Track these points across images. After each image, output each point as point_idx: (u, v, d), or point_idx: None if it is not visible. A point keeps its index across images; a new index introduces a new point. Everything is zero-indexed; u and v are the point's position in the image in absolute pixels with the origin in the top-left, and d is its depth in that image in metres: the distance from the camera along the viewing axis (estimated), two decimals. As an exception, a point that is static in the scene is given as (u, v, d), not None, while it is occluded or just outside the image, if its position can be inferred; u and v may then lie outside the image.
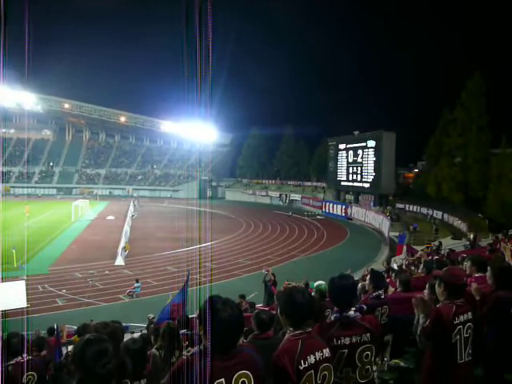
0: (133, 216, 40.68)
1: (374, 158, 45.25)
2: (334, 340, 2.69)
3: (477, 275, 4.67)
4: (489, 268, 3.83)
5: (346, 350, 2.72)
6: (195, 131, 74.98)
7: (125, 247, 25.04)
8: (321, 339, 2.50)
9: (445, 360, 3.03)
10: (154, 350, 4.45)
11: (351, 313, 2.80)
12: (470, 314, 3.14)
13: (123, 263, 23.12)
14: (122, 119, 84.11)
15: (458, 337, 3.02)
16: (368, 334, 2.80)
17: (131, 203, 49.48)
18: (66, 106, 79.46)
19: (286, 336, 2.48)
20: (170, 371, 2.12)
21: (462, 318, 3.05)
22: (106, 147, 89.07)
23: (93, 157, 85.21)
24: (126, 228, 31.47)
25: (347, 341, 2.72)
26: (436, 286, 3.29)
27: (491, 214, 37.63)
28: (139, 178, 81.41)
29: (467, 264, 5.02)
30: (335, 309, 2.87)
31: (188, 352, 2.20)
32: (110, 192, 75.04)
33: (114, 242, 27.45)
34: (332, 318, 2.82)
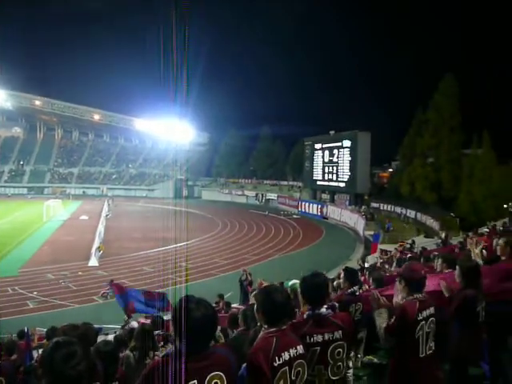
0: (107, 216, 40.11)
1: (350, 158, 45.77)
2: (307, 337, 2.70)
3: (447, 271, 4.79)
4: (457, 267, 3.91)
5: (319, 348, 2.72)
6: (171, 130, 74.38)
7: (99, 247, 24.67)
8: (295, 336, 2.51)
9: (408, 355, 3.08)
10: (127, 351, 4.39)
11: (323, 310, 2.80)
12: (432, 309, 3.19)
13: (97, 264, 22.77)
14: (96, 117, 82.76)
15: (421, 332, 3.08)
16: (340, 332, 2.80)
17: (105, 203, 48.76)
18: (37, 103, 77.68)
19: (261, 334, 2.48)
20: (142, 374, 2.08)
21: (424, 314, 3.10)
22: (79, 146, 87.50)
23: (65, 155, 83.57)
24: (100, 228, 31.01)
25: (319, 338, 2.73)
26: (397, 283, 3.34)
27: (462, 213, 38.52)
28: (114, 177, 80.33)
29: (438, 261, 5.13)
30: (308, 307, 2.87)
31: (161, 353, 2.17)
32: (83, 191, 73.74)
33: (87, 243, 27.00)
34: (304, 316, 2.83)
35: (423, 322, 3.08)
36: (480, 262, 5.58)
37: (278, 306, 2.45)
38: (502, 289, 4.02)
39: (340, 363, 2.81)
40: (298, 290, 5.19)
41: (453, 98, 44.16)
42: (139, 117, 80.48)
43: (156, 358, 2.12)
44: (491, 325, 4.02)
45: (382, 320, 3.24)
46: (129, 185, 78.64)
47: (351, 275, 4.68)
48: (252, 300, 4.15)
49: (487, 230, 19.45)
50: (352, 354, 4.73)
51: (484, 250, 7.23)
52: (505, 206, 33.07)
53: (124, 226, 36.86)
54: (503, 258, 4.84)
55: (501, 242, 4.94)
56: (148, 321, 6.99)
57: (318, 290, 2.89)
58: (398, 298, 3.33)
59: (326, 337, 2.75)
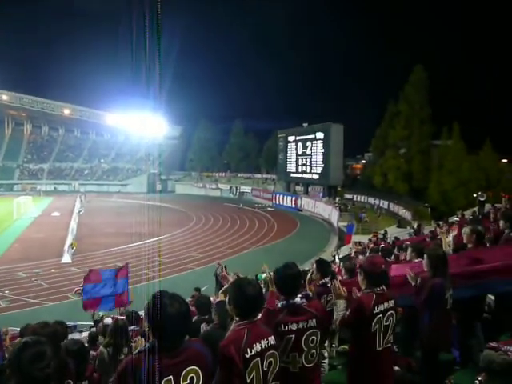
0: (80, 212, 39.42)
1: (323, 150, 46.10)
2: (282, 326, 2.75)
3: (416, 260, 4.90)
4: (425, 256, 3.99)
5: (293, 335, 2.78)
6: (144, 124, 73.36)
7: (72, 244, 24.24)
8: (266, 327, 2.54)
9: (364, 348, 3.11)
10: (101, 347, 4.35)
11: (297, 299, 2.86)
12: (391, 302, 3.20)
13: (70, 261, 22.40)
14: (66, 112, 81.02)
15: (378, 326, 3.09)
16: (314, 320, 2.87)
17: (78, 199, 47.85)
18: (4, 97, 75.44)
19: (232, 326, 2.51)
20: (117, 371, 2.07)
21: (381, 307, 3.11)
22: (49, 141, 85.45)
23: (35, 151, 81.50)
24: (73, 224, 30.47)
25: (294, 326, 2.79)
26: (358, 275, 3.37)
27: (433, 203, 39.39)
28: (86, 172, 78.95)
29: (408, 251, 5.24)
30: (281, 297, 2.92)
31: (135, 350, 2.16)
32: (54, 188, 72.17)
33: (60, 240, 26.51)
34: (279, 305, 2.87)
35: (380, 316, 3.09)
36: (449, 251, 5.74)
37: (250, 300, 2.47)
38: (466, 272, 4.14)
39: (314, 351, 2.87)
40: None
41: (423, 90, 44.98)
42: (111, 111, 79.00)
43: (130, 354, 2.10)
44: (460, 312, 4.14)
45: (338, 311, 3.28)
46: (101, 180, 77.41)
47: (323, 266, 4.73)
48: (221, 297, 4.16)
49: (457, 219, 19.91)
50: (327, 343, 4.81)
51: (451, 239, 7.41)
52: (474, 195, 33.90)
53: (97, 222, 36.28)
54: (469, 245, 4.95)
55: (467, 230, 5.02)
56: (123, 316, 6.93)
57: (292, 280, 2.94)
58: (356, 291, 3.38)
59: (301, 325, 2.81)
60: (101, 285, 9.85)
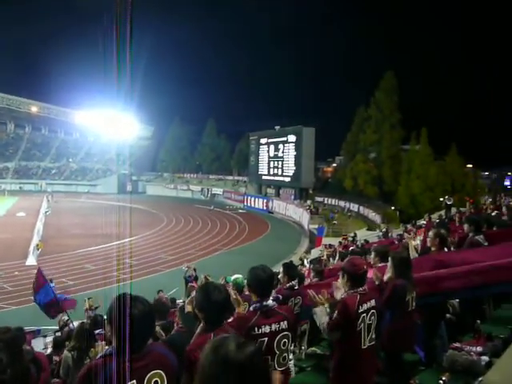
0: (46, 212, 38.50)
1: (295, 153, 46.42)
2: (256, 329, 2.74)
3: (380, 265, 4.96)
4: (389, 258, 4.06)
5: (266, 338, 2.77)
6: (114, 123, 72.32)
7: (37, 245, 23.65)
8: (233, 331, 2.52)
9: (350, 348, 3.15)
10: (66, 351, 4.24)
11: (270, 302, 2.86)
12: (373, 301, 3.28)
13: (35, 263, 21.78)
14: (34, 109, 78.96)
15: (363, 324, 3.15)
16: (286, 322, 2.88)
17: (44, 199, 46.72)
18: (-33, 93, 73.17)
19: (199, 330, 2.49)
20: (78, 376, 2.03)
21: (365, 306, 3.18)
22: (14, 139, 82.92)
23: (0, 149, 79.14)
24: (39, 225, 29.75)
25: (267, 329, 2.78)
26: (340, 278, 3.42)
27: (402, 206, 40.23)
28: (53, 172, 77.11)
29: (372, 255, 5.31)
30: (252, 299, 2.91)
31: (93, 354, 2.12)
32: (20, 187, 70.09)
33: (25, 241, 25.79)
34: (251, 308, 2.86)
35: (364, 315, 3.16)
36: (415, 254, 5.85)
37: (216, 305, 2.46)
38: (428, 277, 4.22)
39: (285, 354, 2.88)
40: (244, 282, 5.26)
41: (393, 96, 45.86)
42: (81, 109, 77.42)
43: (92, 359, 2.05)
44: (424, 312, 4.23)
45: (322, 317, 3.30)
46: (70, 180, 75.74)
47: (290, 269, 4.75)
48: (188, 308, 4.13)
49: (424, 222, 20.36)
50: (293, 346, 4.83)
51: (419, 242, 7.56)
52: (440, 199, 34.74)
53: (64, 223, 35.50)
54: (433, 249, 5.06)
55: (430, 233, 5.13)
56: (88, 320, 6.80)
57: (266, 282, 2.94)
58: (339, 293, 3.41)
59: (273, 327, 2.80)
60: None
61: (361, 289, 3.22)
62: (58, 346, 5.80)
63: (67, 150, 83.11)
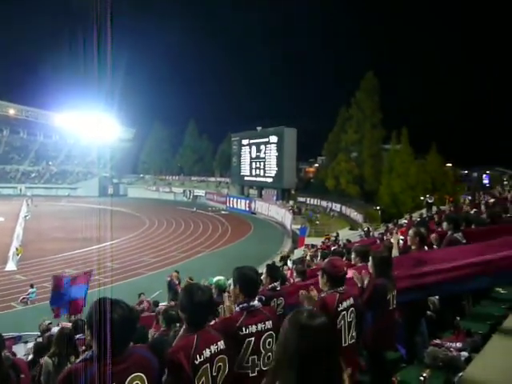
0: (26, 217, 37.84)
1: (277, 154, 46.52)
2: (243, 329, 2.74)
3: (360, 265, 5.01)
4: (370, 258, 4.09)
5: (253, 338, 2.78)
6: (95, 125, 71.49)
7: (17, 250, 23.24)
8: (216, 332, 2.53)
9: None
10: (46, 357, 4.17)
11: (256, 302, 2.88)
12: (351, 299, 3.32)
13: (15, 268, 21.48)
14: (11, 112, 77.49)
15: (343, 322, 3.18)
16: (270, 322, 2.89)
17: (24, 203, 45.96)
18: None
19: (181, 332, 2.48)
20: (57, 380, 2.01)
21: (345, 304, 3.21)
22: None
23: (-23, 152, 77.64)
24: (18, 230, 29.26)
25: (254, 329, 2.78)
26: (319, 277, 3.44)
27: (383, 205, 40.68)
28: (33, 175, 75.86)
29: (352, 255, 5.34)
30: (239, 299, 2.90)
31: (77, 359, 2.10)
32: (-2, 191, 68.93)
33: (4, 246, 25.31)
34: (237, 308, 2.86)
35: (344, 312, 3.19)
36: (396, 252, 5.92)
37: (200, 306, 2.45)
38: (409, 275, 4.27)
39: (270, 353, 2.87)
40: (227, 284, 5.26)
41: (373, 96, 46.40)
42: (60, 112, 76.27)
43: (72, 364, 2.04)
44: (404, 309, 4.28)
45: None
46: (50, 183, 74.58)
47: (272, 270, 4.76)
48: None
49: (405, 221, 20.61)
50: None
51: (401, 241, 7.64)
52: (421, 198, 35.24)
53: (45, 227, 34.97)
54: (413, 247, 5.13)
55: (410, 232, 5.19)
56: (69, 324, 6.71)
57: (255, 281, 2.97)
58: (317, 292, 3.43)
59: (259, 327, 2.81)
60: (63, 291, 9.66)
61: (340, 288, 3.25)
62: (39, 351, 5.70)
63: (47, 152, 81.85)
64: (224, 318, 2.78)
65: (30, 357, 5.79)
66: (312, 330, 1.54)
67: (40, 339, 7.87)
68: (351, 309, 3.29)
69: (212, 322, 2.86)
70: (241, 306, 2.85)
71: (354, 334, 3.30)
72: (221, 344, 2.47)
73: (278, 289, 4.68)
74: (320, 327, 1.56)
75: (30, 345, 8.59)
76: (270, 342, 2.87)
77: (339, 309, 3.16)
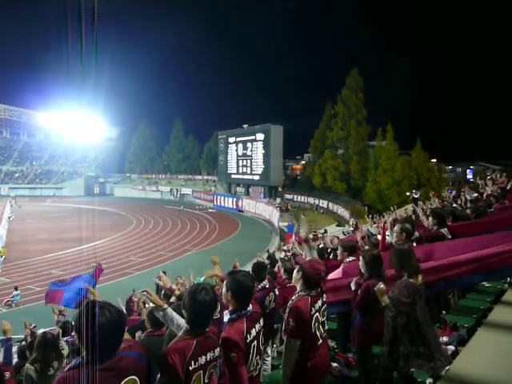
0: (9, 218, 37.36)
1: (263, 151, 46.49)
2: (248, 336, 2.71)
3: (348, 260, 5.02)
4: (361, 257, 4.08)
5: (256, 341, 2.78)
6: (79, 124, 70.80)
7: (0, 252, 22.94)
8: (215, 339, 2.50)
9: (307, 346, 3.12)
10: (28, 364, 4.08)
11: (250, 307, 2.83)
12: (323, 297, 3.30)
13: (-1, 270, 21.22)
14: (-6, 111, 76.51)
15: (317, 324, 3.17)
16: (262, 319, 2.93)
17: (7, 204, 45.30)
18: None
19: (181, 333, 2.44)
20: None
21: (317, 306, 3.18)
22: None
23: (-42, 153, 76.33)
24: (2, 231, 28.86)
25: (254, 332, 2.78)
26: (295, 272, 3.39)
27: (370, 201, 40.98)
28: (16, 175, 74.89)
29: (339, 250, 5.34)
30: (232, 307, 2.81)
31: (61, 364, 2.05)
32: (-19, 192, 67.91)
33: (-13, 248, 24.99)
34: (234, 315, 2.76)
35: (317, 314, 3.17)
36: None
37: (203, 306, 2.42)
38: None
39: (263, 348, 2.92)
40: (214, 283, 5.24)
41: (358, 93, 46.73)
42: (44, 111, 75.35)
43: (62, 372, 1.98)
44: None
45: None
46: (34, 183, 73.77)
47: (258, 272, 4.72)
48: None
49: (390, 217, 20.70)
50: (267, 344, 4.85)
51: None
52: (407, 193, 35.53)
53: (29, 228, 34.56)
54: (399, 243, 5.10)
55: (396, 228, 5.17)
56: (55, 328, 6.63)
57: (251, 290, 2.89)
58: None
59: (257, 328, 2.84)
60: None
61: (313, 291, 3.20)
62: (23, 356, 5.61)
63: (31, 152, 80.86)
64: (229, 331, 2.69)
65: (15, 361, 5.69)
66: None
67: (24, 343, 7.77)
68: (323, 307, 3.27)
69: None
70: (237, 313, 2.76)
71: (326, 328, 3.32)
72: (217, 351, 2.45)
73: (267, 286, 4.68)
74: None
75: (14, 349, 8.47)
76: (262, 338, 2.91)
77: (312, 312, 3.12)
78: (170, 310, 2.75)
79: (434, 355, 3.24)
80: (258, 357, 2.82)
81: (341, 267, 4.96)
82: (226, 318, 2.79)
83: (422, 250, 4.64)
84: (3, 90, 79.89)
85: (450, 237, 5.36)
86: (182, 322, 2.63)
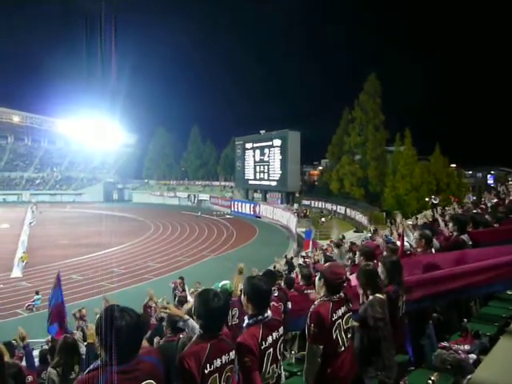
0: (31, 223, 38.00)
1: (280, 157, 46.49)
2: (263, 343, 2.69)
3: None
4: (380, 263, 4.03)
5: (272, 349, 2.75)
6: (98, 131, 71.80)
7: (22, 257, 23.31)
8: (229, 342, 2.50)
9: (328, 353, 3.09)
10: (50, 368, 4.13)
11: (269, 312, 2.82)
12: (347, 305, 3.26)
13: (21, 275, 21.53)
14: (16, 119, 77.95)
15: (338, 331, 3.12)
16: (281, 328, 2.89)
17: (29, 209, 46.11)
18: None
19: (195, 338, 2.45)
20: None
21: (339, 313, 3.14)
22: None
23: (-18, 160, 77.92)
24: (23, 236, 29.36)
25: (270, 339, 2.75)
26: (316, 279, 3.37)
27: (388, 207, 40.57)
28: (37, 182, 76.22)
29: (357, 254, 5.30)
30: (250, 311, 2.81)
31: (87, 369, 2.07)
32: (3, 199, 69.08)
33: (9, 253, 25.41)
34: (250, 321, 2.77)
35: (339, 321, 3.13)
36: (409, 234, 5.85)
37: (216, 312, 2.44)
38: (418, 282, 4.22)
39: (280, 357, 2.89)
40: (232, 288, 5.24)
41: (376, 98, 46.46)
42: (64, 118, 76.61)
43: (83, 375, 2.01)
44: (411, 313, 4.24)
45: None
46: (54, 190, 74.94)
47: (269, 277, 4.71)
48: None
49: (411, 222, 20.46)
50: (285, 351, 4.83)
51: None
52: (426, 199, 35.12)
53: (50, 234, 35.08)
54: (419, 250, 5.05)
55: (416, 234, 5.11)
56: (75, 332, 6.70)
57: (267, 294, 2.89)
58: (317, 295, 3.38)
59: (275, 336, 2.79)
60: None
61: (335, 296, 3.17)
62: (44, 359, 5.69)
63: (51, 159, 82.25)
64: (244, 336, 2.70)
65: (37, 364, 5.77)
66: None
67: (46, 347, 7.86)
68: (348, 314, 3.23)
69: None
70: (254, 318, 2.76)
71: (349, 337, 3.24)
72: (232, 354, 2.46)
73: (276, 294, 4.64)
74: None
75: (36, 352, 8.59)
76: (281, 346, 2.88)
77: (333, 318, 3.08)
78: (191, 321, 2.77)
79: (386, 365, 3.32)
80: (275, 365, 2.79)
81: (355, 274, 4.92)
82: (244, 323, 2.80)
83: (444, 257, 4.57)
84: (25, 98, 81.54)
85: (470, 243, 5.27)
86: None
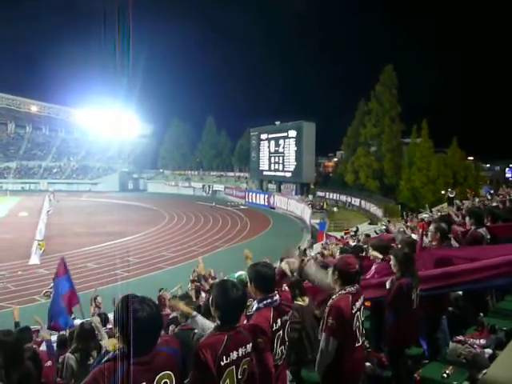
0: (48, 212, 38.46)
1: (295, 148, 46.30)
2: (274, 325, 2.75)
3: (379, 262, 4.93)
4: (392, 256, 4.01)
5: (281, 330, 2.81)
6: (114, 121, 72.24)
7: (40, 245, 23.65)
8: (246, 334, 2.49)
9: (346, 346, 3.09)
10: (68, 353, 4.21)
11: (277, 296, 2.85)
12: (362, 298, 3.25)
13: (38, 262, 21.87)
14: (34, 109, 78.81)
15: (357, 324, 3.13)
16: (290, 312, 2.97)
17: (46, 198, 46.69)
18: (-32, 94, 73.00)
19: (212, 330, 2.45)
20: (84, 382, 1.96)
21: (357, 305, 3.15)
22: (15, 139, 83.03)
23: (1, 149, 78.96)
24: (41, 225, 29.76)
25: (279, 322, 2.81)
26: (330, 273, 3.36)
27: (403, 200, 40.23)
28: (54, 171, 77.13)
29: (370, 249, 5.26)
30: (258, 297, 2.85)
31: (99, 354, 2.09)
32: (22, 187, 70.11)
33: (27, 240, 25.81)
34: (260, 305, 2.80)
35: (358, 313, 3.14)
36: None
37: (235, 303, 2.43)
38: (432, 275, 4.19)
39: (287, 339, 2.94)
40: (246, 280, 5.27)
41: (392, 89, 45.93)
42: (81, 108, 77.21)
43: (100, 364, 2.01)
44: (426, 306, 4.21)
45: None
46: (71, 179, 75.77)
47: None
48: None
49: (426, 215, 20.23)
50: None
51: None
52: (442, 192, 34.74)
53: (66, 222, 35.52)
54: (434, 243, 4.99)
55: (431, 227, 5.05)
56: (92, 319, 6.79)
57: (271, 277, 2.92)
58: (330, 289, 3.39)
59: (284, 318, 2.87)
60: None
61: (352, 288, 3.16)
62: (62, 345, 5.78)
63: (68, 148, 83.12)
64: (257, 318, 2.74)
65: (54, 349, 5.86)
66: None
67: (63, 332, 7.99)
68: (363, 307, 3.25)
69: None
70: (263, 302, 2.80)
71: (364, 332, 3.27)
72: (249, 347, 2.45)
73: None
74: None
75: (54, 338, 8.73)
76: (288, 329, 2.94)
77: (353, 311, 3.09)
78: (199, 318, 2.78)
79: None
80: (283, 347, 2.86)
81: (373, 267, 4.90)
82: (254, 308, 2.83)
83: (460, 252, 4.52)
84: (42, 88, 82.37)
85: (488, 237, 5.20)
86: (209, 325, 2.67)
